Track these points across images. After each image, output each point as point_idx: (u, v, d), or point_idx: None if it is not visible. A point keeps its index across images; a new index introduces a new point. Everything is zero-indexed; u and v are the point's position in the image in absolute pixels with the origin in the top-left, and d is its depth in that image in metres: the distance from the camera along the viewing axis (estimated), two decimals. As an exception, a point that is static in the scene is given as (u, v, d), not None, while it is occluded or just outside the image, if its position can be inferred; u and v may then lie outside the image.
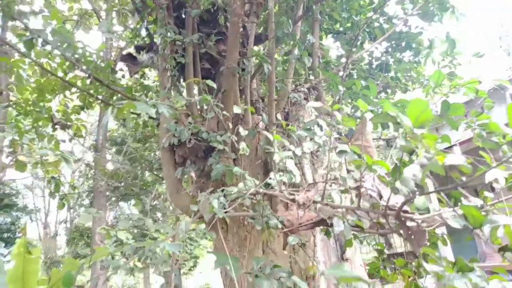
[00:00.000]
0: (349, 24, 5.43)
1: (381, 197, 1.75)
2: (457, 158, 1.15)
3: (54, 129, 4.93)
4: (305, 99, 3.55)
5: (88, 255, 13.33)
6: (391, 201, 1.74)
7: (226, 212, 2.37)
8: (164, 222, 12.40)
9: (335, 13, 4.49)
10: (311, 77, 4.00)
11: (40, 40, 3.64)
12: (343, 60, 5.46)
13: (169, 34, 3.45)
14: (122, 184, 10.21)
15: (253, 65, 4.20)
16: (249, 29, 3.84)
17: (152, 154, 11.12)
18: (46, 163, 5.29)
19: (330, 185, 2.27)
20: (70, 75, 5.41)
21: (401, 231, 1.88)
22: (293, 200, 2.18)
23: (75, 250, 14.15)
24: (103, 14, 9.63)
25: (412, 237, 1.65)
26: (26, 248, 4.70)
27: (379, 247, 3.04)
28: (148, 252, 3.04)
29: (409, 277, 2.86)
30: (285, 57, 6.04)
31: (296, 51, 3.54)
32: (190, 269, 14.50)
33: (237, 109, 2.66)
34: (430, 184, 2.58)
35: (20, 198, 16.18)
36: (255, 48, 4.41)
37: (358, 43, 5.27)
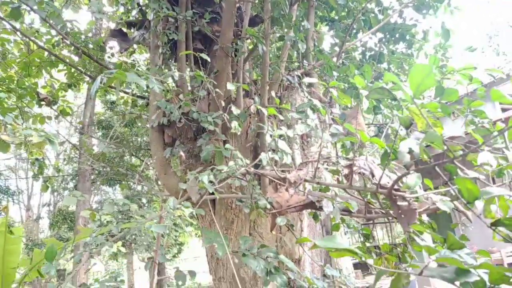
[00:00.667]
0: (344, 13, 5.40)
1: (373, 175, 1.74)
2: (455, 129, 1.14)
3: (40, 105, 4.79)
4: (298, 84, 3.52)
5: (71, 238, 13.18)
6: (383, 180, 1.73)
7: (216, 190, 2.34)
8: (150, 208, 12.32)
9: (331, -1, 4.45)
10: (305, 62, 3.97)
11: (28, 20, 3.51)
12: (337, 49, 5.44)
13: (163, 9, 3.36)
14: (108, 167, 10.07)
15: (247, 48, 4.14)
16: (244, 9, 3.78)
17: (139, 139, 10.98)
18: (30, 144, 5.16)
19: (322, 164, 2.26)
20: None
21: (391, 211, 1.88)
22: (284, 179, 2.16)
23: (57, 234, 13.97)
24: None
25: (402, 216, 1.65)
26: (8, 227, 4.59)
27: (365, 232, 3.05)
28: (134, 231, 3.00)
29: (393, 262, 2.88)
30: (278, 44, 5.99)
31: (291, 33, 3.50)
32: (174, 256, 14.48)
33: (230, 86, 2.61)
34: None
35: (2, 179, 15.84)
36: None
37: (353, 31, 5.25)
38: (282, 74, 3.65)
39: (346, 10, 5.26)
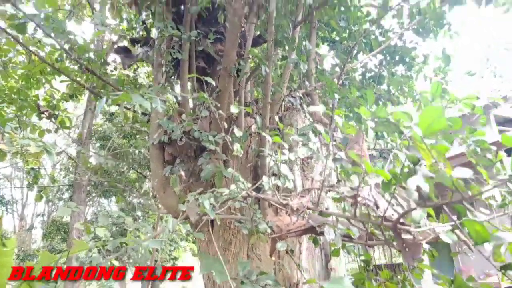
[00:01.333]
0: (345, 34, 5.46)
1: (377, 207, 1.72)
2: (464, 171, 1.13)
3: (40, 118, 4.77)
4: (300, 105, 3.53)
5: (64, 250, 12.98)
6: (387, 212, 1.71)
7: (217, 214, 2.31)
8: (145, 221, 12.18)
9: (333, 21, 4.50)
10: (306, 83, 3.98)
11: (31, 29, 3.52)
12: (337, 69, 5.47)
13: (167, 28, 3.39)
14: (105, 180, 9.98)
15: (249, 68, 4.16)
16: (248, 30, 3.81)
17: (137, 152, 10.91)
18: (26, 153, 5.11)
19: (326, 193, 2.24)
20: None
21: (395, 243, 1.85)
22: (286, 205, 2.14)
23: (50, 245, 13.76)
24: (97, 6, 9.44)
25: (407, 250, 1.63)
26: (0, 239, 4.50)
27: (365, 258, 3.02)
28: (131, 251, 2.94)
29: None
30: (279, 63, 6.03)
31: (294, 55, 3.53)
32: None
33: (234, 109, 2.61)
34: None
35: (-4, 188, 15.68)
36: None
37: (354, 52, 5.30)
38: (283, 95, 3.66)
39: (348, 31, 5.32)
